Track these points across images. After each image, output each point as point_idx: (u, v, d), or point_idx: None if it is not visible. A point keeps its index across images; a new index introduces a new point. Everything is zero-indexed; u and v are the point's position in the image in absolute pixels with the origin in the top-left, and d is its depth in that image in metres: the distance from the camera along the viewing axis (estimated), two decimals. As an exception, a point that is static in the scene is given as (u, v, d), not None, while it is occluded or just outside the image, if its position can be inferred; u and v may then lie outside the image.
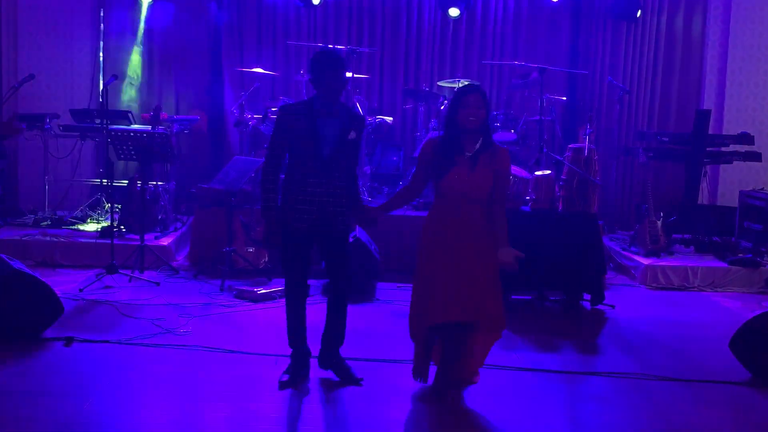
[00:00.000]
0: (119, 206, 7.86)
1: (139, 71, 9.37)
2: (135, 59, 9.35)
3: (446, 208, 3.99)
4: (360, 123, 4.25)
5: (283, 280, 4.38)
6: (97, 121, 8.23)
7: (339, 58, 4.15)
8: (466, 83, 3.96)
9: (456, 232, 3.94)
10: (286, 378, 4.34)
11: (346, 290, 4.36)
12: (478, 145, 3.94)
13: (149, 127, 7.62)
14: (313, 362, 4.53)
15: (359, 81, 9.21)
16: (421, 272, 4.06)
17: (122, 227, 7.71)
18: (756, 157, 8.53)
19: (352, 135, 4.17)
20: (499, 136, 8.56)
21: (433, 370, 4.37)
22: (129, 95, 9.38)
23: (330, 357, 4.43)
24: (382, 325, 5.64)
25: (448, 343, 4.06)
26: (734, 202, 8.79)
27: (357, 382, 4.35)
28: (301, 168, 4.15)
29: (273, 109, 8.25)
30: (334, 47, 8.21)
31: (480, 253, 3.94)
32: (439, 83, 9.37)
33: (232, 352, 4.96)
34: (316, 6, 9.40)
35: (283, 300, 4.39)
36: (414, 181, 4.12)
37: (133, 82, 9.33)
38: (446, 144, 3.95)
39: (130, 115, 8.37)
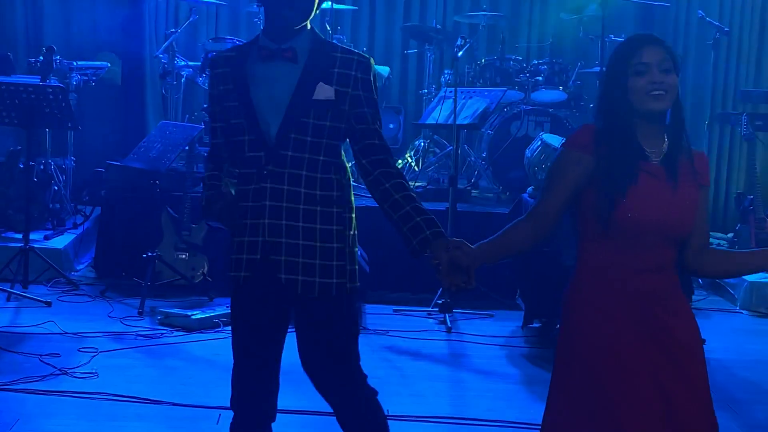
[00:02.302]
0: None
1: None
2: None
3: (628, 269, 3.01)
4: (351, 67, 3.26)
5: (228, 301, 3.88)
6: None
7: None
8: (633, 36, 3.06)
9: (657, 315, 3.02)
10: None
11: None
12: (665, 143, 3.05)
13: (38, 78, 7.59)
14: None
15: (341, 14, 9.19)
16: (575, 391, 3.07)
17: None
18: None
19: (326, 91, 3.22)
20: (541, 96, 8.56)
21: None
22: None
23: None
24: (373, 367, 5.62)
25: None
26: None
27: None
28: (239, 164, 3.27)
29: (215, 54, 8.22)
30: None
31: (691, 355, 3.06)
32: (456, 18, 9.36)
33: (157, 403, 4.93)
34: None
35: (230, 329, 3.56)
36: (542, 209, 3.09)
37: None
38: (615, 141, 3.01)
39: (9, 59, 8.33)
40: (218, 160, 3.34)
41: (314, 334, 3.26)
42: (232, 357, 3.30)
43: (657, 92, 2.92)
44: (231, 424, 3.31)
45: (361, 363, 3.33)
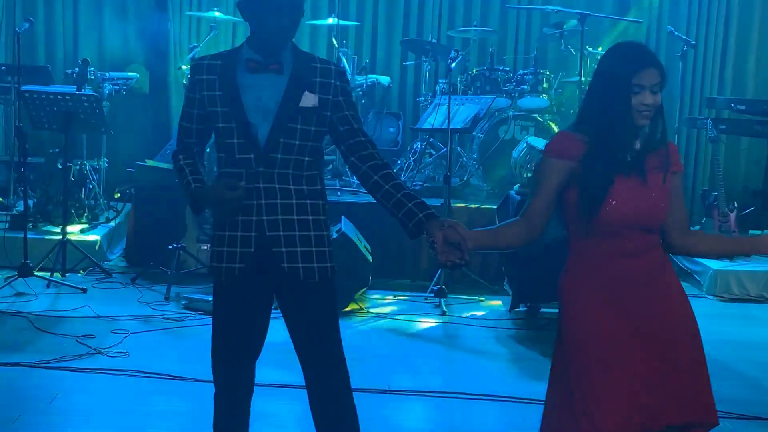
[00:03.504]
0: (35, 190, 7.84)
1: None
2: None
3: (611, 256, 3.02)
4: (330, 76, 3.28)
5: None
6: (8, 79, 8.19)
7: None
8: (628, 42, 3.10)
9: (639, 293, 3.04)
10: None
11: (342, 412, 3.41)
12: (638, 142, 3.04)
13: (74, 88, 7.59)
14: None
15: (346, 30, 9.18)
16: (590, 365, 3.07)
17: (39, 216, 7.69)
18: None
19: (310, 99, 3.23)
20: (526, 102, 8.55)
21: None
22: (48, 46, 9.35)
23: None
24: (375, 346, 5.63)
25: None
26: (830, 190, 8.80)
27: None
28: (229, 166, 3.24)
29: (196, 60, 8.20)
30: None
31: (678, 320, 3.18)
32: (450, 33, 9.35)
33: (181, 379, 4.97)
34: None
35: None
36: (531, 210, 3.07)
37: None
38: (605, 150, 2.98)
39: (48, 71, 8.33)
40: (191, 152, 3.33)
41: (310, 315, 3.29)
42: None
43: (645, 112, 2.94)
44: (215, 396, 3.38)
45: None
